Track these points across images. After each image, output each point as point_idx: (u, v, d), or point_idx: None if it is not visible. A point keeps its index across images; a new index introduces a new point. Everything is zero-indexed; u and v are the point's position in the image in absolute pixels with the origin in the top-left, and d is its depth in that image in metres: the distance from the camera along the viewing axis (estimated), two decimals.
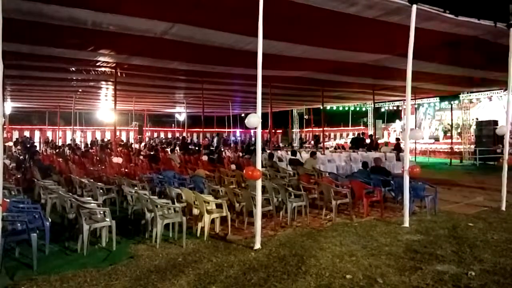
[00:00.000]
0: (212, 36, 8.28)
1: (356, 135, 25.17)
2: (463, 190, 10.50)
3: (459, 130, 23.28)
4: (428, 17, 6.91)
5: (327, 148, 21.02)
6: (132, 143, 25.50)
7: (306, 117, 31.47)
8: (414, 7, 6.40)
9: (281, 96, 19.16)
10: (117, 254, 5.39)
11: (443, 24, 7.39)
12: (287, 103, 24.87)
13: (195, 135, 32.57)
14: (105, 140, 28.29)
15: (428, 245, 5.47)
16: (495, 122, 17.65)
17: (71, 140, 23.55)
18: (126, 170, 11.64)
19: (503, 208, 7.74)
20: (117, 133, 28.07)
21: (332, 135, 35.31)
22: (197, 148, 21.65)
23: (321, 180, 8.81)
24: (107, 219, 5.76)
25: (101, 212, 5.99)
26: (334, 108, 27.99)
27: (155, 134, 33.46)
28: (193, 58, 10.63)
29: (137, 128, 27.54)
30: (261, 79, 5.58)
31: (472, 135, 20.66)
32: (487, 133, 17.85)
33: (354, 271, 4.53)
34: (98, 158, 15.50)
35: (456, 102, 22.10)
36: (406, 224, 6.60)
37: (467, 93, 21.07)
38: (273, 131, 28.63)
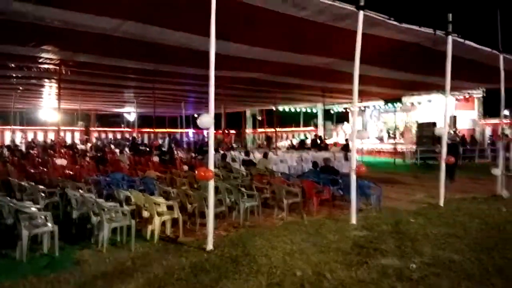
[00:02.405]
0: (163, 35, 8.10)
1: (308, 137, 25.73)
2: (405, 187, 11.11)
3: (401, 131, 24.61)
4: (374, 23, 7.23)
5: (280, 149, 21.35)
6: (77, 144, 24.28)
7: (259, 118, 31.75)
8: (361, 13, 6.68)
9: (234, 97, 19.18)
10: (60, 261, 5.11)
11: (388, 30, 7.77)
12: (240, 104, 24.94)
13: (146, 135, 31.68)
14: (48, 140, 26.71)
15: (373, 241, 5.72)
16: (434, 124, 18.81)
17: (10, 141, 21.99)
18: (71, 172, 11.06)
19: (441, 204, 8.28)
20: (61, 134, 26.64)
21: (284, 135, 35.88)
22: (147, 149, 21.07)
23: (273, 180, 8.92)
24: (49, 224, 5.44)
25: (42, 217, 5.64)
26: (286, 109, 28.48)
27: (103, 135, 32.10)
28: (144, 56, 10.32)
29: (83, 129, 26.29)
30: (214, 80, 5.55)
31: (413, 136, 21.92)
32: (427, 134, 19.01)
33: (304, 268, 4.64)
34: (40, 160, 14.59)
35: (399, 105, 23.34)
36: (353, 221, 6.86)
37: (409, 96, 22.33)
38: (227, 132, 28.58)
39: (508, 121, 13.76)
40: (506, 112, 13.69)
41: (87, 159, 14.62)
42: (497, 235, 5.96)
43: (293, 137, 34.73)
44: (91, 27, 7.59)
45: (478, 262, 4.73)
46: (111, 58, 10.44)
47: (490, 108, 22.69)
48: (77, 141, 26.60)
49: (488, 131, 23.40)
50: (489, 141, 22.30)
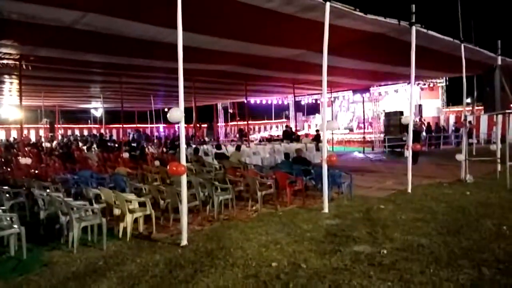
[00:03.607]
0: (129, 27, 7.89)
1: (284, 128, 25.83)
2: (375, 175, 11.40)
3: (369, 121, 25.20)
4: (340, 15, 7.32)
5: (252, 141, 21.40)
6: (42, 142, 23.38)
7: (230, 111, 31.63)
8: (328, 4, 6.74)
9: (204, 90, 18.99)
10: (28, 263, 4.92)
11: (355, 21, 7.89)
12: (211, 97, 24.73)
13: (114, 131, 30.89)
14: (11, 139, 25.58)
15: (346, 228, 5.85)
16: (401, 113, 19.37)
17: None
18: (37, 171, 10.65)
19: (409, 190, 8.55)
20: (25, 132, 25.56)
21: (256, 128, 35.96)
22: (116, 145, 20.56)
23: (246, 173, 8.94)
24: (15, 226, 5.22)
25: (8, 219, 5.41)
26: (258, 102, 28.51)
27: (69, 132, 31.06)
28: (109, 50, 10.01)
29: (48, 126, 25.31)
30: (183, 73, 5.46)
31: (381, 125, 22.50)
32: (394, 123, 19.49)
33: (279, 258, 4.68)
34: (3, 160, 13.96)
35: (367, 95, 23.85)
36: (326, 210, 6.99)
37: (377, 86, 22.86)
38: (198, 125, 28.31)
39: (470, 109, 14.32)
40: (468, 100, 14.26)
41: (53, 157, 14.11)
42: (462, 218, 6.22)
43: (265, 129, 34.92)
44: (50, 20, 7.29)
45: (445, 245, 4.92)
46: (74, 52, 10.08)
47: (453, 96, 23.64)
48: (42, 139, 25.60)
49: (452, 119, 24.35)
50: (453, 128, 23.21)
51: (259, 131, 34.83)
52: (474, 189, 8.52)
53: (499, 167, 10.12)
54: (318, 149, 15.83)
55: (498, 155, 10.41)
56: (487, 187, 8.69)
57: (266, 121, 37.04)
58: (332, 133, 22.08)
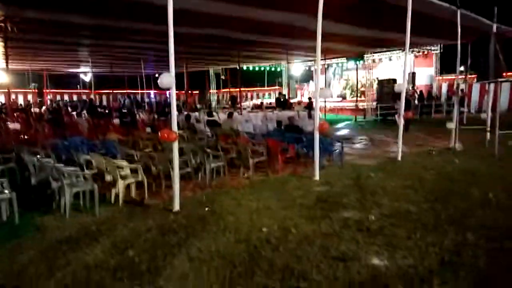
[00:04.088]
0: None
1: (277, 96, 25.64)
2: (366, 143, 11.49)
3: (363, 89, 25.11)
4: None
5: (244, 108, 21.26)
6: (31, 107, 23.00)
7: (222, 77, 31.18)
8: None
9: (196, 55, 18.61)
10: (21, 228, 4.97)
11: None
12: (203, 63, 24.30)
13: (104, 97, 30.42)
14: None
15: (336, 195, 5.96)
16: (394, 81, 19.29)
17: None
18: (26, 137, 10.53)
19: (399, 158, 8.66)
20: (13, 96, 25.06)
21: (249, 95, 35.66)
22: (107, 111, 20.31)
23: (238, 140, 8.93)
24: (6, 191, 5.22)
25: None
26: (250, 68, 28.09)
27: (58, 97, 30.51)
28: (97, 11, 9.66)
29: (36, 90, 24.80)
30: (174, 37, 5.31)
31: (374, 93, 22.44)
32: (387, 91, 19.44)
33: (270, 223, 4.77)
34: None
35: (361, 62, 23.63)
36: (317, 177, 7.07)
37: (371, 53, 22.60)
38: (190, 92, 27.97)
39: (463, 77, 14.30)
40: (462, 68, 14.21)
41: (43, 122, 13.93)
42: (450, 185, 6.35)
43: (258, 97, 34.66)
44: None
45: (432, 212, 5.05)
46: (61, 14, 9.71)
47: (446, 64, 23.47)
48: (30, 103, 25.17)
49: (444, 87, 24.34)
50: (445, 97, 23.25)
51: (252, 98, 34.58)
52: (462, 158, 8.64)
53: (488, 136, 10.24)
54: (310, 116, 15.80)
55: (488, 124, 10.51)
56: (475, 156, 8.82)
57: (259, 88, 36.70)
58: (325, 101, 21.99)
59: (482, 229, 4.36)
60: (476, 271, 3.41)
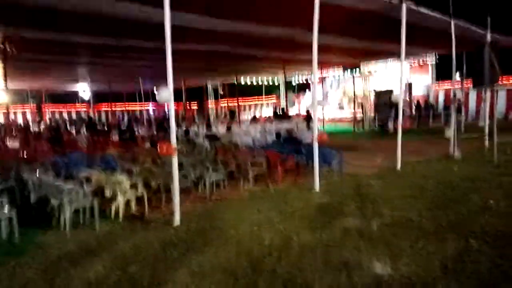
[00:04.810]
0: (114, 6, 7.70)
1: (274, 108, 25.75)
2: (364, 153, 11.52)
3: (359, 100, 25.24)
4: None
5: (243, 122, 21.35)
6: (30, 125, 23.05)
7: (221, 91, 31.33)
8: None
9: (194, 70, 18.74)
10: (21, 246, 4.94)
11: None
12: (200, 77, 24.45)
13: (103, 114, 30.47)
14: None
15: (336, 205, 5.95)
16: (391, 91, 19.45)
17: None
18: (25, 155, 10.53)
19: (398, 167, 8.67)
20: (12, 116, 25.13)
21: (247, 107, 35.72)
22: (106, 128, 20.37)
23: (238, 153, 8.95)
24: (6, 210, 5.20)
25: None
26: (248, 82, 28.23)
27: (57, 115, 30.56)
28: (95, 31, 9.78)
29: (35, 106, 24.88)
30: (171, 53, 5.39)
31: (371, 104, 22.57)
32: (384, 101, 19.61)
33: (271, 236, 4.76)
34: None
35: (357, 72, 23.82)
36: (317, 187, 7.07)
37: (367, 64, 22.82)
38: (188, 106, 28.10)
39: (459, 85, 14.42)
40: (457, 77, 14.33)
41: (42, 141, 13.95)
42: (450, 193, 6.35)
43: (256, 108, 34.74)
44: (34, 0, 7.08)
45: (433, 220, 5.04)
46: (59, 33, 9.84)
47: (442, 73, 23.65)
48: (29, 122, 25.22)
49: (441, 96, 24.49)
50: (442, 105, 23.36)
51: (250, 109, 34.62)
52: (462, 165, 8.67)
53: (486, 143, 10.28)
54: (309, 128, 15.85)
55: (486, 131, 10.56)
56: (474, 163, 8.85)
57: (256, 97, 36.67)
58: (323, 112, 22.11)
59: (483, 236, 4.36)
60: (479, 278, 3.40)
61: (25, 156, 10.30)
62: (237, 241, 4.66)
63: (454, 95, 10.50)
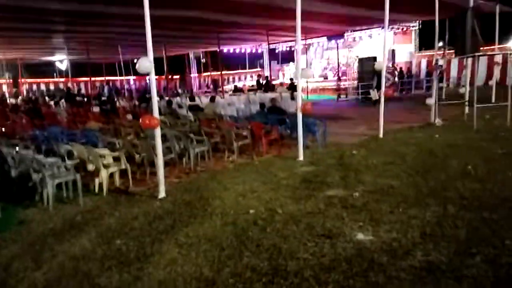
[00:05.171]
0: None
1: (258, 77, 25.46)
2: (347, 122, 11.61)
3: (344, 68, 25.16)
4: None
5: (226, 92, 21.11)
6: (7, 98, 22.31)
7: (203, 61, 30.75)
8: None
9: (175, 38, 18.22)
10: (3, 222, 4.90)
11: None
12: (182, 46, 23.82)
13: (82, 85, 29.66)
14: None
15: (320, 174, 6.03)
16: (375, 58, 19.35)
17: None
18: (3, 128, 10.25)
19: (381, 135, 8.79)
20: None
21: (230, 78, 35.31)
22: (85, 99, 19.88)
23: (222, 124, 8.89)
24: None
25: None
26: (231, 50, 27.73)
27: (34, 86, 29.61)
28: None
29: (11, 80, 24.01)
30: (151, 20, 5.19)
31: (355, 72, 22.52)
32: (367, 69, 19.49)
33: (256, 205, 4.82)
34: None
35: (342, 41, 23.59)
36: (301, 157, 7.13)
37: (351, 31, 22.56)
38: (170, 77, 27.53)
39: (442, 53, 14.47)
40: (440, 44, 14.35)
41: (20, 113, 13.55)
42: (430, 160, 6.49)
43: (240, 79, 34.39)
44: None
45: (413, 186, 5.17)
46: (34, 0, 9.34)
47: (425, 41, 23.65)
48: (6, 94, 24.39)
49: (424, 63, 24.60)
50: (425, 73, 23.51)
51: (234, 81, 34.27)
52: (442, 132, 8.83)
53: (467, 109, 10.46)
54: (293, 98, 15.80)
55: (467, 98, 10.72)
56: (455, 130, 9.02)
57: (240, 70, 36.34)
58: (307, 82, 22.00)
59: (461, 201, 4.50)
60: (457, 242, 3.53)
61: (3, 130, 10.04)
62: (222, 211, 4.70)
63: (436, 63, 10.54)
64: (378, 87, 15.58)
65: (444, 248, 3.43)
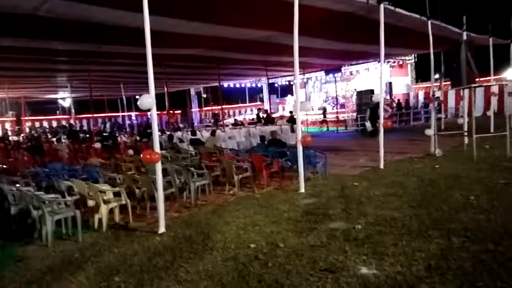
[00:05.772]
0: (91, 12, 7.59)
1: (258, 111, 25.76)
2: (348, 154, 11.63)
3: (342, 100, 25.51)
4: None
5: (227, 125, 21.30)
6: (9, 136, 22.48)
7: (204, 95, 31.29)
8: None
9: (176, 75, 18.63)
10: (2, 260, 4.80)
11: (324, 0, 7.88)
12: (183, 82, 24.32)
13: (84, 121, 29.98)
14: None
15: (322, 207, 5.97)
16: (372, 91, 19.67)
17: None
18: (5, 166, 10.28)
19: (381, 166, 8.77)
20: None
21: (231, 112, 35.73)
22: (87, 135, 20.05)
23: (222, 157, 8.92)
24: None
25: None
26: (231, 85, 28.28)
27: (37, 124, 29.91)
28: (73, 37, 9.62)
29: (14, 118, 24.30)
30: (152, 58, 5.34)
31: (354, 104, 22.82)
32: (365, 101, 19.81)
33: (257, 239, 4.74)
34: None
35: (339, 74, 24.08)
36: (302, 190, 7.09)
37: (348, 65, 23.08)
38: (172, 111, 27.87)
39: (438, 84, 14.71)
40: (437, 76, 14.63)
41: (22, 151, 13.63)
42: (432, 191, 6.44)
43: (240, 113, 34.77)
44: (10, 7, 6.93)
45: (416, 217, 5.11)
46: (37, 40, 9.64)
47: (422, 73, 24.18)
48: (8, 132, 24.60)
49: (421, 95, 24.97)
50: (422, 104, 23.82)
51: (234, 115, 34.64)
52: (443, 163, 8.82)
53: (466, 140, 10.50)
54: (293, 130, 15.94)
55: (465, 128, 10.79)
56: (455, 160, 9.01)
57: (240, 104, 36.84)
58: (307, 114, 22.27)
59: (466, 232, 4.42)
60: (464, 274, 3.45)
61: (5, 168, 10.06)
62: (223, 246, 4.62)
63: (433, 95, 10.69)
64: (372, 119, 15.82)
65: (450, 281, 3.35)
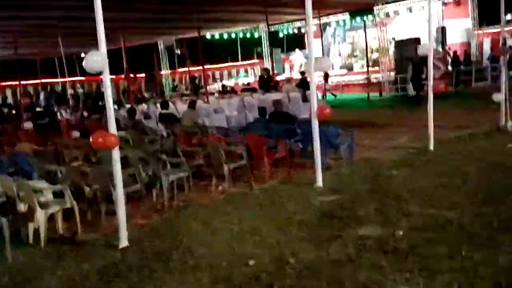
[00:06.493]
0: None
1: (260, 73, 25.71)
2: (384, 130, 11.66)
3: (376, 55, 25.38)
4: None
5: (212, 94, 21.25)
6: None
7: (178, 51, 31.06)
8: None
9: (137, 22, 18.46)
10: None
11: None
12: (148, 33, 24.08)
13: (8, 92, 29.84)
14: None
15: (347, 206, 6.02)
16: (418, 40, 19.55)
17: None
18: None
19: (431, 147, 8.81)
20: None
21: (217, 74, 35.62)
22: (13, 111, 20.03)
23: (206, 139, 8.93)
24: None
25: None
26: (217, 36, 28.00)
27: None
28: None
29: None
30: None
31: (391, 60, 22.72)
32: (408, 55, 19.67)
33: (258, 254, 4.79)
34: None
35: (371, 17, 23.85)
36: (319, 182, 7.14)
37: (383, 4, 22.83)
38: (132, 76, 27.77)
39: (510, 28, 14.63)
40: (509, 17, 14.51)
41: None
42: (502, 181, 6.47)
43: (230, 76, 34.70)
44: None
45: (480, 218, 5.15)
46: None
47: (488, 13, 23.90)
48: None
49: (487, 44, 24.82)
50: (488, 58, 23.70)
51: (221, 78, 34.54)
52: None
53: None
54: (305, 99, 15.91)
55: None
56: None
57: (230, 63, 36.69)
58: (325, 76, 22.19)
59: None
60: None
61: None
62: (210, 264, 4.67)
63: (504, 43, 10.64)
64: (416, 80, 15.81)
65: None
